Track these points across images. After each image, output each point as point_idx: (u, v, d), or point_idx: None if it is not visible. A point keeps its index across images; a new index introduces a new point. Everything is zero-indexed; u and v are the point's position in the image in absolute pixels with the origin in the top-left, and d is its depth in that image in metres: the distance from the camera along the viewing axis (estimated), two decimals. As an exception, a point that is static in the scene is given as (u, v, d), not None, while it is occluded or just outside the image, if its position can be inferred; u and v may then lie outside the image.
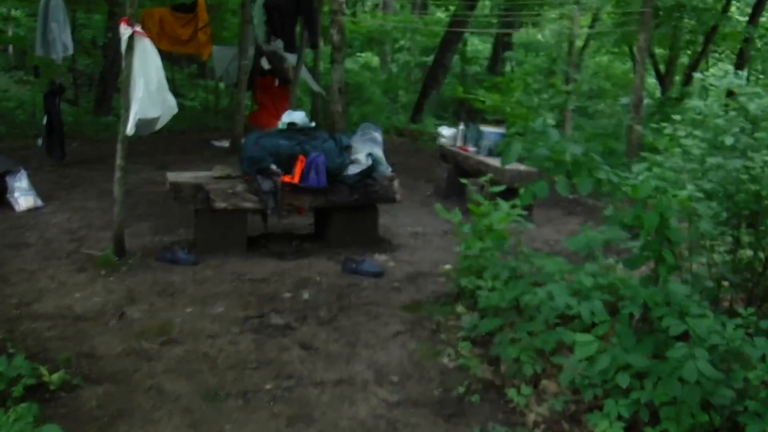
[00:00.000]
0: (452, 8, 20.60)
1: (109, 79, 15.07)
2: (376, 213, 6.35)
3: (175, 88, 18.38)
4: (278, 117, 12.92)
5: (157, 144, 12.43)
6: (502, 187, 5.22)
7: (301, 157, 5.84)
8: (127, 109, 5.35)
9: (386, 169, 6.25)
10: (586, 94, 18.48)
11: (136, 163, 9.84)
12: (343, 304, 5.00)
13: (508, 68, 20.91)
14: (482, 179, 5.36)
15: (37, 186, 8.25)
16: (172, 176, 5.92)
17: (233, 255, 5.89)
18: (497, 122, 8.32)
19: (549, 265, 4.58)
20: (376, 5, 25.50)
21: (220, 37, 16.43)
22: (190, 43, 10.81)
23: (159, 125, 5.62)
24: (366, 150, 6.12)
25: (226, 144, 12.14)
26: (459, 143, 8.69)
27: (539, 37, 22.22)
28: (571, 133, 16.11)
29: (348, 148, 6.04)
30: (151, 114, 5.40)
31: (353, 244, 6.20)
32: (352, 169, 6.00)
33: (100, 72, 16.18)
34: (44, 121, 9.60)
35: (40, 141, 9.70)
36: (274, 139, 5.86)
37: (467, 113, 21.06)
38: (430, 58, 22.30)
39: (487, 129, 8.21)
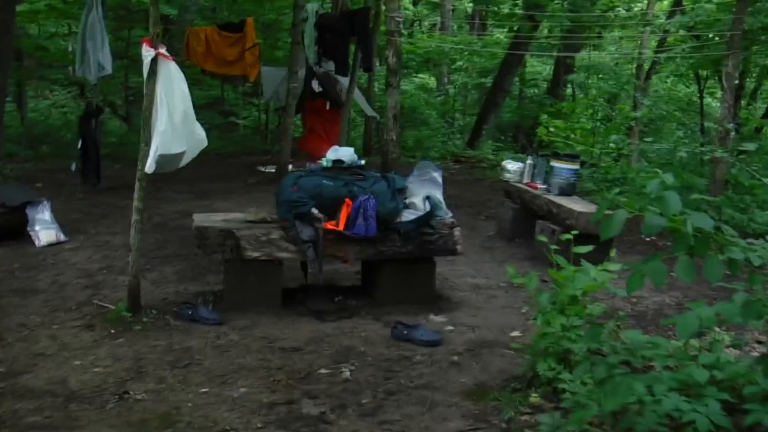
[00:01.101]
0: (513, 29, 19.68)
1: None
2: (433, 267, 5.45)
3: (227, 107, 17.97)
4: (329, 142, 12.22)
5: (201, 169, 11.76)
6: (588, 248, 4.27)
7: (347, 200, 4.99)
8: (148, 144, 4.58)
9: (446, 214, 5.35)
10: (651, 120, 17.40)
11: (174, 191, 9.21)
12: (390, 386, 4.10)
13: (568, 91, 19.93)
14: (564, 237, 4.39)
15: (64, 216, 7.65)
16: (199, 219, 5.13)
17: (265, 313, 5.05)
18: (570, 157, 7.34)
19: (647, 348, 3.65)
20: (433, 25, 24.76)
21: (273, 57, 15.84)
22: (236, 64, 10.15)
23: (184, 161, 4.84)
24: (423, 193, 5.24)
25: (273, 170, 11.42)
26: (526, 179, 7.74)
27: (600, 59, 21.11)
28: (636, 161, 15.07)
29: (402, 191, 5.17)
30: (175, 149, 4.61)
31: (405, 302, 5.31)
32: (407, 215, 5.12)
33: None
34: (79, 145, 9.02)
35: (73, 166, 9.12)
36: (316, 179, 5.02)
37: (526, 137, 20.10)
38: (488, 80, 21.42)
39: (558, 164, 7.24)
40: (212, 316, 4.85)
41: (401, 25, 8.98)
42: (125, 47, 17.79)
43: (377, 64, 13.71)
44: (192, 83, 16.57)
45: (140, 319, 4.84)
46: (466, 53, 19.55)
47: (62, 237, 6.88)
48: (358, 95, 11.69)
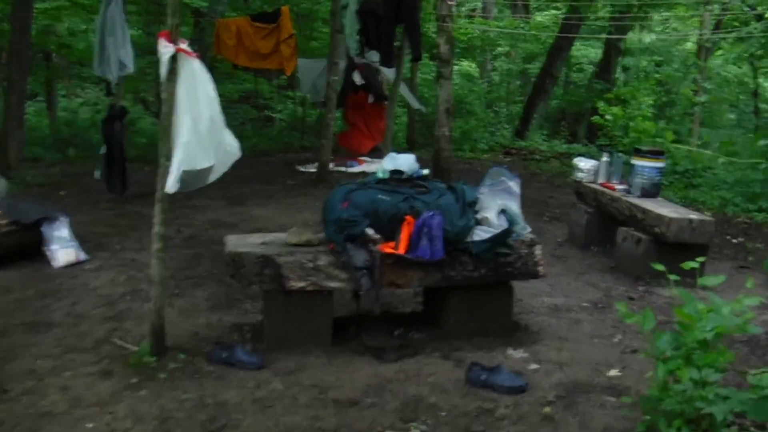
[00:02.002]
0: (560, 10, 18.65)
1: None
2: (511, 293, 4.59)
3: (262, 101, 17.24)
4: (372, 138, 11.41)
5: (235, 170, 10.96)
6: (719, 278, 3.39)
7: (408, 218, 4.16)
8: (169, 158, 3.80)
9: (524, 230, 4.50)
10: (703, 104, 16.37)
11: (206, 197, 8.47)
12: (473, 455, 3.29)
13: (617, 75, 18.88)
14: (687, 266, 3.47)
15: (87, 229, 6.98)
16: (232, 243, 4.34)
17: (313, 352, 4.25)
18: (653, 153, 6.41)
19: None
20: (473, 10, 23.76)
21: (309, 48, 15.08)
22: (271, 57, 9.32)
23: (213, 177, 4.04)
24: (497, 205, 4.38)
25: (312, 169, 10.67)
26: (601, 179, 6.85)
27: (647, 40, 19.93)
28: (696, 145, 14.01)
29: (473, 204, 4.32)
30: (201, 164, 3.82)
31: (478, 333, 4.48)
32: (479, 234, 4.26)
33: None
34: (102, 151, 8.32)
35: (97, 173, 8.43)
36: (370, 193, 4.19)
37: (577, 125, 19.05)
38: (533, 66, 20.39)
39: (640, 162, 6.34)
40: (251, 359, 4.07)
41: (453, 10, 8.06)
42: (156, 42, 17.20)
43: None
44: (224, 77, 15.96)
45: (166, 365, 4.07)
46: (512, 38, 18.59)
47: (82, 256, 6.17)
48: (402, 87, 10.85)
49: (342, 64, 9.99)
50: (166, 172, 3.79)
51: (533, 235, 4.54)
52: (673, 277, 3.42)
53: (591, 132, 16.96)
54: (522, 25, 18.57)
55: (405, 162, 4.34)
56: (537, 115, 16.79)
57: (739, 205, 9.23)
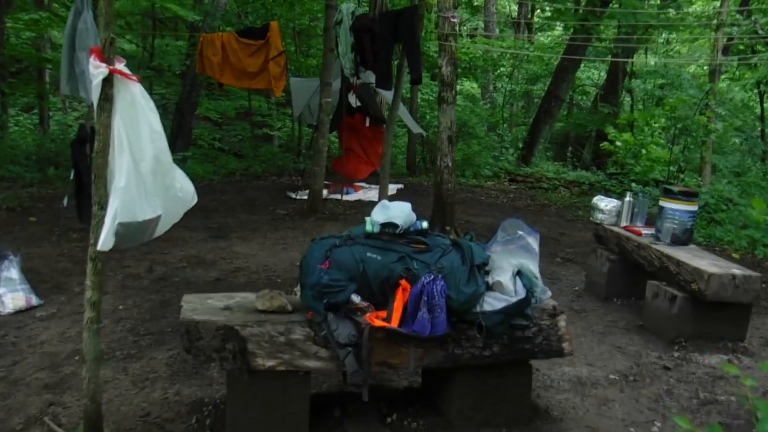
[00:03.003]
0: (569, 30, 17.99)
1: (186, 111, 13.33)
2: (528, 374, 3.78)
3: (259, 118, 16.51)
4: (369, 163, 10.63)
5: (223, 194, 10.36)
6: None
7: (403, 283, 3.37)
8: (103, 206, 3.03)
9: (544, 294, 3.70)
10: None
11: (186, 227, 7.73)
12: None
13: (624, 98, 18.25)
14: (748, 382, 2.68)
15: (49, 264, 6.31)
16: (189, 305, 3.54)
17: (285, 446, 3.46)
18: (685, 195, 5.63)
19: None
20: (474, 29, 23.15)
21: (306, 66, 14.45)
22: (259, 76, 8.55)
23: (161, 229, 3.25)
24: (512, 266, 3.58)
25: (305, 197, 9.93)
26: (624, 222, 6.08)
27: (653, 62, 19.24)
28: (709, 176, 13.30)
29: (483, 266, 3.53)
30: (144, 214, 3.03)
31: (488, 423, 3.67)
32: (491, 303, 3.47)
33: (176, 103, 14.45)
34: (72, 176, 7.58)
35: (65, 200, 7.68)
36: (356, 250, 3.40)
37: (581, 149, 18.33)
38: (536, 87, 19.76)
39: (670, 205, 5.57)
40: (206, 457, 3.28)
41: (457, 28, 7.29)
42: (149, 57, 16.53)
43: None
44: (220, 94, 15.28)
45: (100, 463, 3.28)
46: (515, 59, 17.93)
47: (34, 301, 5.42)
48: (402, 110, 10.10)
49: (336, 84, 9.26)
50: (100, 225, 3.02)
51: (555, 302, 3.75)
52: (713, 361, 2.63)
53: (597, 156, 16.29)
54: (526, 46, 17.93)
55: (399, 212, 3.53)
56: (542, 138, 16.10)
57: (770, 245, 8.48)
